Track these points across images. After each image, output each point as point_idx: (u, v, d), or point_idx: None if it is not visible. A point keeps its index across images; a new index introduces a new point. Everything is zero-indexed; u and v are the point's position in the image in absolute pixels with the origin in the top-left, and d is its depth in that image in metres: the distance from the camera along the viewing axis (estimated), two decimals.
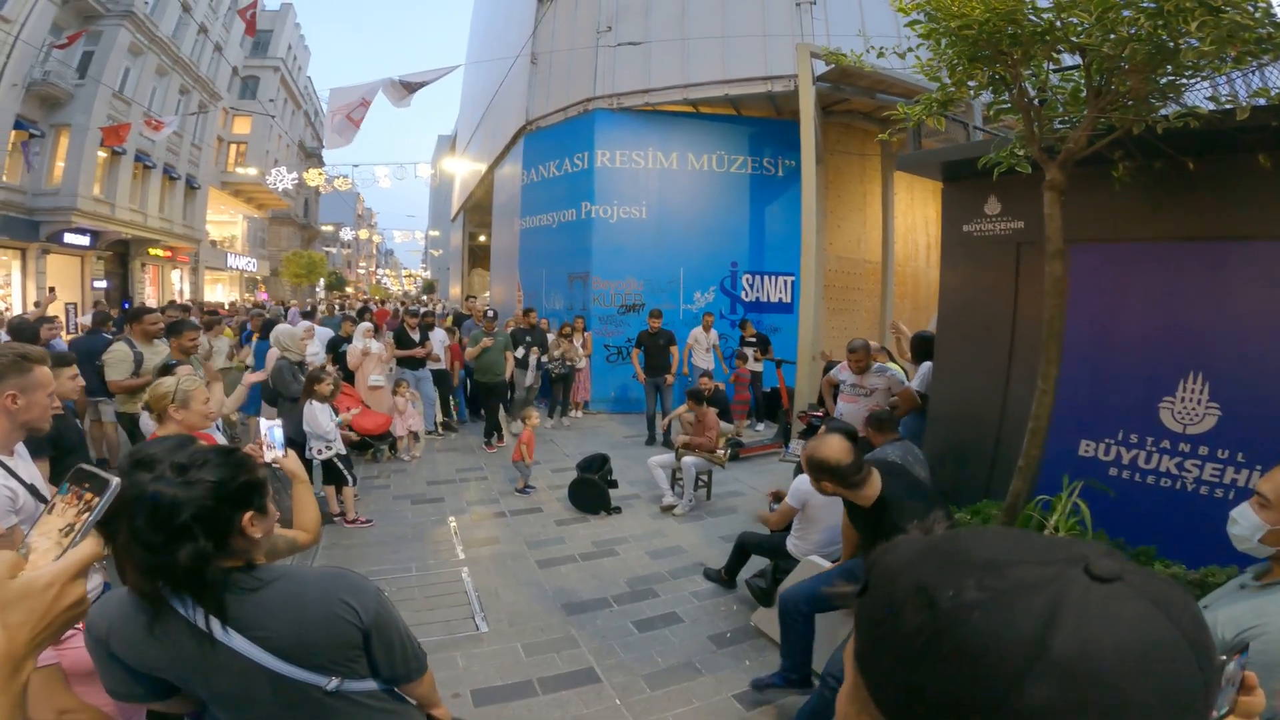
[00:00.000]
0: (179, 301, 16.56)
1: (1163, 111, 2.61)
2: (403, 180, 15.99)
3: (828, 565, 3.26)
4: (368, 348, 6.97)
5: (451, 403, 8.63)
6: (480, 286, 25.15)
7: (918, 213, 10.76)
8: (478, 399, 8.48)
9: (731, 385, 8.04)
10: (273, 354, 5.47)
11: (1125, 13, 2.35)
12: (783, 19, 8.86)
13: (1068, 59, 2.84)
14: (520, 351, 8.05)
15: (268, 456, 1.86)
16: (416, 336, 7.65)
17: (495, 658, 3.30)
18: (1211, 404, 3.04)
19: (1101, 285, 3.40)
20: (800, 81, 7.26)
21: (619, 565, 4.46)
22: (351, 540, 4.75)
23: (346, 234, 46.72)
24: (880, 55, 3.14)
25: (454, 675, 3.11)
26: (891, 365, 5.27)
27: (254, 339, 7.54)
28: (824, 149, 8.26)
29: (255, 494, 1.22)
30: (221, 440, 3.12)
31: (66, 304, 14.82)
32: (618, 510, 5.46)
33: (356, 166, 16.24)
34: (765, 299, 9.93)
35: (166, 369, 3.50)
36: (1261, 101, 2.50)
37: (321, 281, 34.74)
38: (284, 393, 5.07)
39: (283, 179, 19.70)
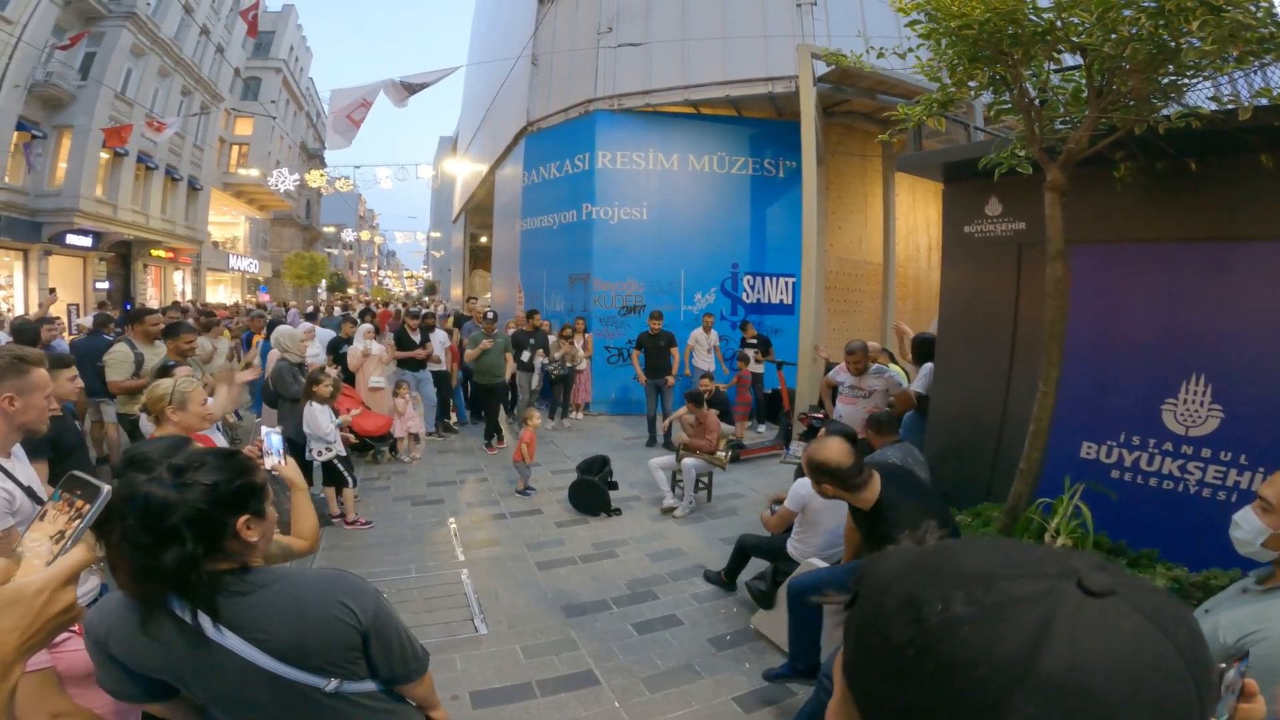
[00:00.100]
0: (181, 303, 16.61)
1: (1164, 112, 2.60)
2: (404, 181, 16.06)
3: (806, 573, 3.25)
4: (368, 349, 6.98)
5: (450, 404, 8.62)
6: (482, 288, 25.17)
7: (919, 214, 10.75)
8: (478, 400, 8.48)
9: (733, 387, 8.02)
10: (273, 355, 5.47)
11: (1126, 12, 2.34)
12: (783, 20, 8.86)
13: (1069, 59, 2.83)
14: (526, 355, 8.05)
15: (267, 464, 1.85)
16: (417, 338, 7.65)
17: (494, 660, 3.29)
18: (1214, 406, 3.02)
19: (1103, 286, 3.39)
20: (801, 82, 7.25)
21: (619, 567, 4.45)
22: (351, 542, 4.75)
23: (348, 235, 46.78)
24: (880, 56, 3.13)
25: (453, 677, 3.10)
26: (892, 367, 5.26)
27: (255, 340, 7.55)
28: (825, 150, 8.25)
29: (252, 497, 1.21)
30: (221, 442, 3.12)
31: (69, 305, 14.85)
32: (618, 512, 5.45)
33: (358, 168, 16.25)
34: (766, 300, 9.92)
35: (165, 370, 3.50)
36: (1264, 101, 2.48)
37: (323, 283, 34.79)
38: (284, 394, 5.06)
39: (285, 180, 19.72)
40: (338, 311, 11.87)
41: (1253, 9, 2.24)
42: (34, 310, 12.03)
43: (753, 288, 9.88)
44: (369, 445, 6.57)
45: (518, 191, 11.68)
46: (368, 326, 7.49)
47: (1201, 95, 2.79)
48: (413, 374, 7.55)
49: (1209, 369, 3.04)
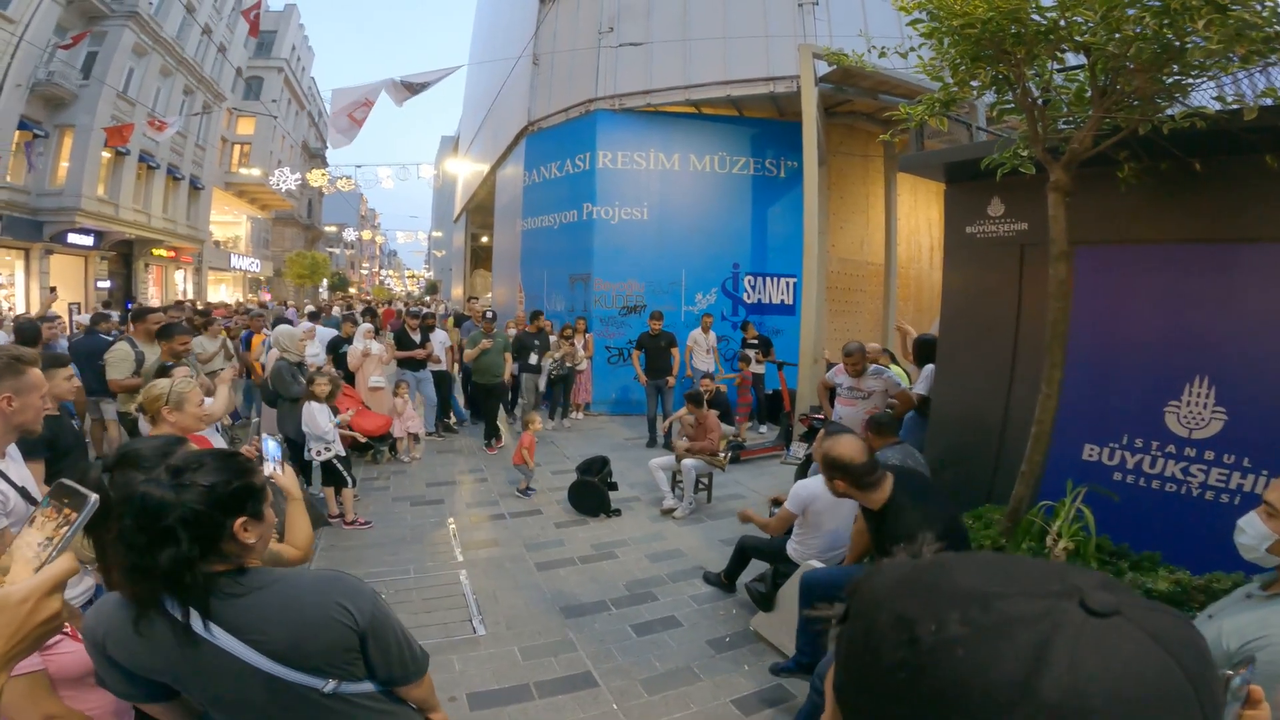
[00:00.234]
0: (184, 302, 16.62)
1: (1169, 112, 2.57)
2: (405, 181, 16.08)
3: (824, 567, 3.24)
4: (368, 349, 6.97)
5: (449, 404, 8.61)
6: (483, 287, 25.18)
7: (921, 214, 10.72)
8: (477, 400, 8.48)
9: (734, 387, 8.00)
10: (272, 354, 5.47)
11: (1130, 11, 2.32)
12: (785, 19, 8.84)
13: (1072, 58, 2.81)
14: (534, 358, 8.04)
15: (265, 471, 1.85)
16: (417, 338, 7.64)
17: (492, 661, 3.28)
18: (1218, 408, 3.00)
19: (1106, 288, 3.37)
20: (802, 82, 7.23)
21: (618, 568, 4.43)
22: (350, 542, 4.74)
23: (350, 235, 46.81)
24: (883, 55, 3.11)
25: (450, 678, 3.09)
26: (892, 368, 5.24)
27: (255, 340, 7.54)
28: (826, 150, 8.23)
29: (250, 499, 1.21)
30: (220, 443, 3.11)
31: (70, 304, 14.87)
32: (617, 513, 5.43)
33: (360, 167, 16.27)
34: (767, 301, 9.90)
35: (164, 370, 3.49)
36: (1269, 101, 2.46)
37: (325, 282, 34.81)
38: (283, 394, 5.05)
39: (286, 180, 19.76)
40: (337, 311, 11.86)
41: (1258, 8, 2.22)
42: (35, 309, 12.05)
43: (754, 288, 9.87)
44: (369, 445, 6.57)
45: (519, 191, 11.67)
46: (368, 326, 7.48)
47: (1206, 95, 2.77)
48: (413, 374, 7.54)
49: (1213, 371, 3.02)
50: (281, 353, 5.23)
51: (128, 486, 1.10)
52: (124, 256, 19.33)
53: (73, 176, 15.59)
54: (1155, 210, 3.14)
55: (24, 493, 1.85)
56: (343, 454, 4.91)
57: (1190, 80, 2.56)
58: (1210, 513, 2.99)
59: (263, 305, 16.60)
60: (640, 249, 9.57)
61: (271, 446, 1.89)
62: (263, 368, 6.44)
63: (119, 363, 4.59)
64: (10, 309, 13.62)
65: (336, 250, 46.80)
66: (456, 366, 8.74)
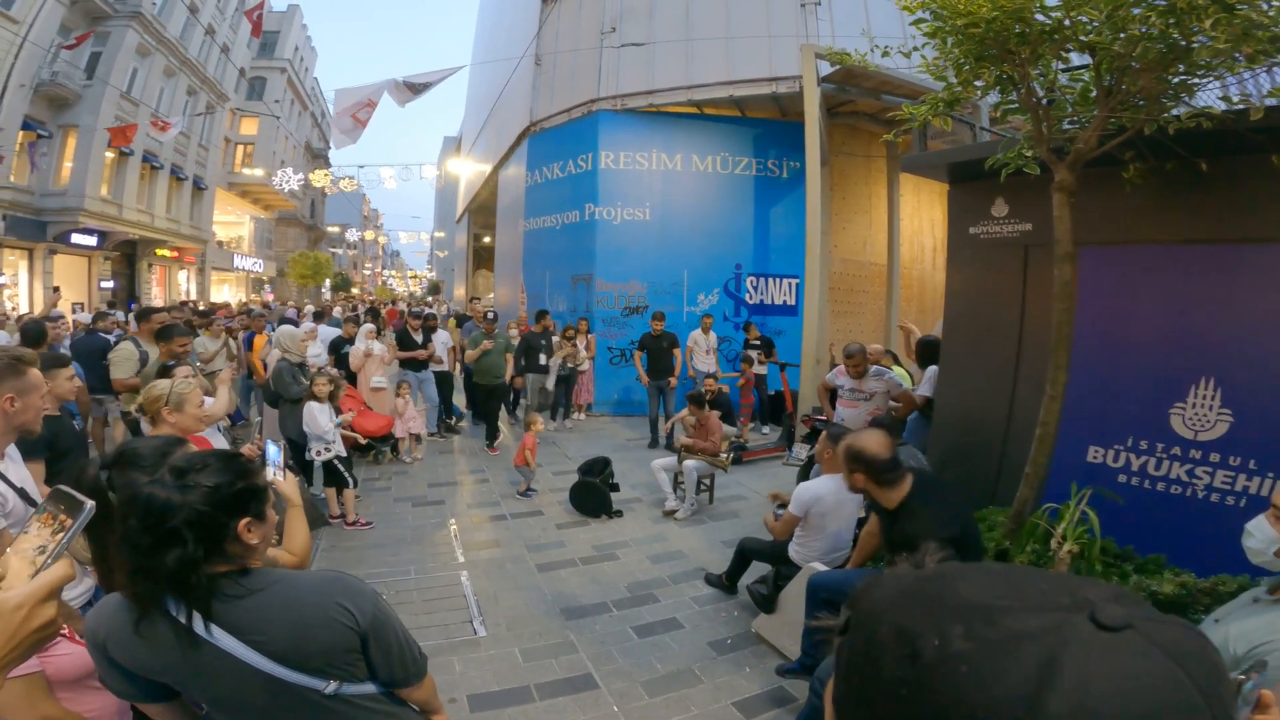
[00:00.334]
0: (188, 302, 16.67)
1: (1174, 111, 2.56)
2: (408, 181, 16.11)
3: (829, 570, 3.22)
4: (370, 349, 6.97)
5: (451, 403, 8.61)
6: (485, 288, 25.20)
7: (924, 215, 10.70)
8: (478, 401, 8.47)
9: (738, 389, 7.99)
10: (274, 355, 5.46)
11: (1136, 11, 2.30)
12: (787, 19, 8.82)
13: (1077, 58, 2.79)
14: (542, 359, 8.04)
15: (266, 476, 1.84)
16: (419, 338, 7.64)
17: (492, 663, 3.27)
18: (1223, 410, 2.98)
19: (1111, 289, 3.35)
20: (805, 82, 7.21)
21: (619, 570, 4.42)
22: (351, 542, 4.73)
23: (352, 235, 46.87)
24: (885, 54, 3.10)
25: (451, 680, 3.08)
26: (895, 369, 5.22)
27: (258, 341, 7.54)
28: (829, 151, 8.21)
29: (253, 500, 1.22)
30: (221, 443, 3.11)
31: (73, 304, 14.91)
32: (619, 514, 5.42)
33: (362, 168, 16.27)
34: (770, 302, 9.88)
35: (165, 370, 3.49)
36: (1275, 101, 2.44)
37: (328, 282, 34.86)
38: (284, 394, 5.05)
39: (289, 180, 19.80)
40: (338, 312, 11.87)
41: (1265, 7, 2.20)
42: (39, 309, 12.09)
43: (756, 289, 9.85)
44: (371, 445, 6.57)
45: (521, 191, 11.68)
46: (369, 326, 7.48)
47: (1212, 95, 2.75)
48: (415, 374, 7.54)
49: (1218, 372, 3.00)
50: (283, 353, 5.23)
51: (132, 488, 1.11)
52: (127, 257, 19.39)
53: (76, 177, 15.63)
54: (1160, 211, 3.12)
55: (23, 494, 1.84)
56: (344, 454, 4.90)
57: (1196, 80, 2.54)
58: (1216, 515, 2.97)
59: (266, 305, 16.61)
60: (642, 249, 9.56)
61: (273, 451, 1.89)
62: (265, 368, 6.45)
63: (123, 362, 4.59)
64: (14, 309, 13.65)
65: (339, 250, 46.87)
66: (459, 367, 8.74)
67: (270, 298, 25.82)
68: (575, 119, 10.14)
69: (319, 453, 4.78)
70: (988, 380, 3.93)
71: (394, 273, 78.28)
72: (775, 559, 3.68)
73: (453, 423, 8.44)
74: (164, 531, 1.09)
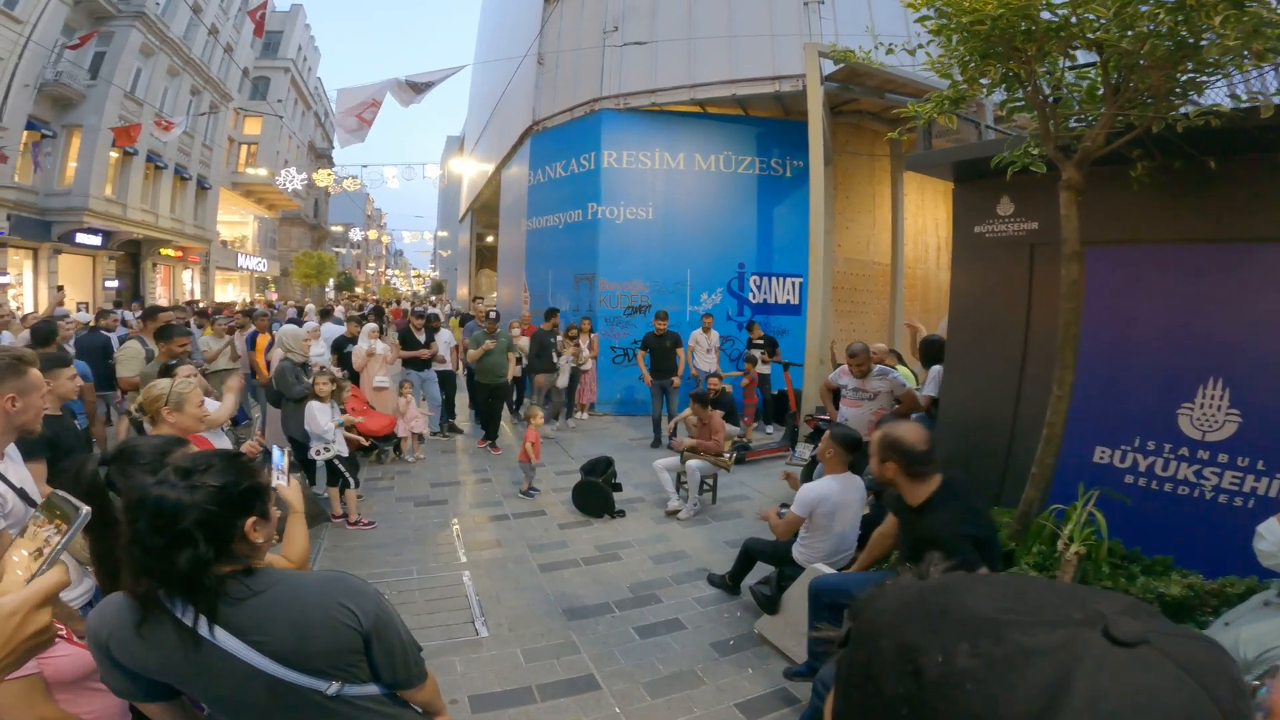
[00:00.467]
0: (194, 301, 16.70)
1: (1183, 110, 2.53)
2: (411, 181, 16.06)
3: (831, 573, 3.21)
4: (372, 349, 6.97)
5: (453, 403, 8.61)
6: (488, 287, 25.22)
7: (928, 214, 10.66)
8: (479, 401, 8.47)
9: (741, 388, 7.97)
10: (276, 354, 5.46)
11: (1144, 7, 2.27)
12: (790, 18, 8.79)
13: (1084, 55, 2.76)
14: (555, 357, 8.04)
15: (270, 481, 1.83)
16: (422, 338, 7.64)
17: (494, 663, 3.26)
18: (1232, 410, 2.95)
19: (1118, 288, 3.32)
20: (808, 81, 7.18)
21: (622, 570, 4.41)
22: (353, 542, 4.73)
23: (356, 234, 46.95)
24: (890, 52, 3.09)
25: (452, 680, 3.07)
26: (899, 368, 5.19)
27: (260, 340, 7.54)
28: (833, 149, 8.18)
29: (258, 499, 1.22)
30: (224, 443, 3.10)
31: (78, 303, 14.96)
32: (621, 514, 5.41)
33: (365, 167, 16.29)
34: (773, 301, 9.86)
35: (166, 370, 3.48)
36: None
37: (331, 282, 34.93)
38: (286, 394, 5.05)
39: (293, 180, 19.81)
40: (340, 312, 11.88)
41: (1274, 4, 2.17)
42: (43, 309, 12.13)
43: (759, 288, 9.82)
44: (374, 445, 6.56)
45: (523, 191, 11.67)
46: (372, 326, 7.48)
47: (1220, 93, 2.72)
48: (417, 374, 7.54)
49: (1226, 372, 2.97)
50: (286, 353, 5.23)
51: (141, 489, 1.11)
52: (132, 256, 19.46)
53: (80, 176, 15.68)
54: (1168, 209, 3.09)
55: (22, 494, 1.84)
56: (344, 454, 4.90)
57: (1205, 78, 2.51)
58: (1224, 516, 2.94)
59: (270, 305, 16.64)
60: (645, 249, 9.55)
61: (278, 456, 1.88)
62: (269, 366, 6.45)
63: (129, 360, 4.61)
64: (19, 308, 13.70)
65: (343, 250, 46.97)
66: (461, 365, 8.74)
67: (274, 297, 25.87)
68: (578, 118, 10.13)
69: (319, 452, 4.78)
70: (993, 380, 3.90)
71: (397, 272, 78.42)
72: (779, 560, 3.66)
73: (456, 421, 8.43)
74: (175, 533, 1.09)
